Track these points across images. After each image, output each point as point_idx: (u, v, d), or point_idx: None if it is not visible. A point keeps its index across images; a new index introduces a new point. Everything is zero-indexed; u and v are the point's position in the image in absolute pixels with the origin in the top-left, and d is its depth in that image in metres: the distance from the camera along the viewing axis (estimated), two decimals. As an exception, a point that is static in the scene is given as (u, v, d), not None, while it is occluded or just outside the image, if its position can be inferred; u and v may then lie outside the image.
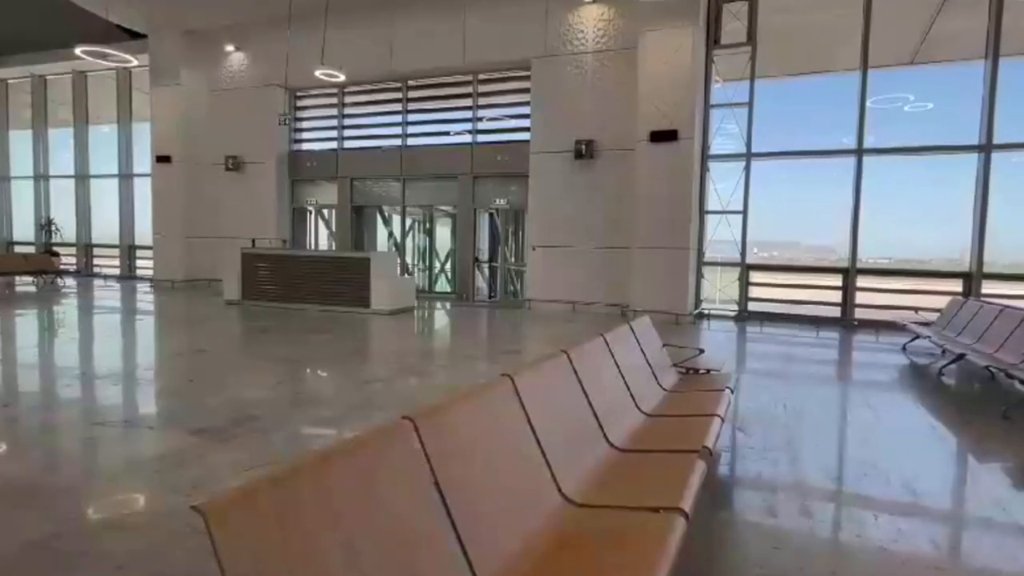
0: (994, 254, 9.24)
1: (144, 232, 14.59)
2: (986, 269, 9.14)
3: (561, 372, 2.30)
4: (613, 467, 2.13)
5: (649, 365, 3.34)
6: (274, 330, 7.73)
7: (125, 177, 15.01)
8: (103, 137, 15.51)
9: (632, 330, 3.42)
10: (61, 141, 16.15)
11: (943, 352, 6.44)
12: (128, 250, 15.19)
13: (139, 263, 15.12)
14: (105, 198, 15.53)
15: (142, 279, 14.56)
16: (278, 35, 11.86)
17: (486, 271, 12.48)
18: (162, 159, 13.07)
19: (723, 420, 2.70)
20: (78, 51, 10.71)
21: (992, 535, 2.52)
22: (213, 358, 5.84)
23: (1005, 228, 9.29)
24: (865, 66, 9.45)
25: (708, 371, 3.82)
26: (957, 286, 9.34)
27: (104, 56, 10.95)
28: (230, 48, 12.89)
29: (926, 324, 7.62)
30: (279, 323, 8.25)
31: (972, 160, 9.21)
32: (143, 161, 14.37)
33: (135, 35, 13.21)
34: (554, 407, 2.07)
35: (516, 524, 1.55)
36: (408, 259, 13.17)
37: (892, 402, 4.81)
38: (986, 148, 9.07)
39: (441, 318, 9.98)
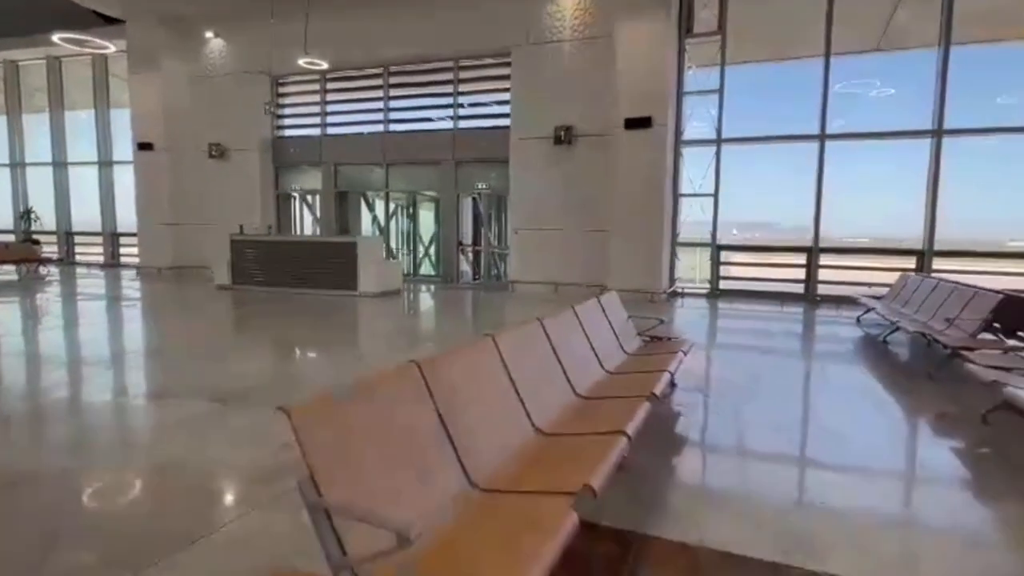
0: (957, 232, 9.94)
1: (126, 219, 14.61)
2: (945, 247, 9.82)
3: (536, 336, 2.77)
4: (577, 409, 2.62)
5: (614, 332, 3.83)
6: (268, 313, 8.07)
7: (105, 164, 14.94)
8: (80, 123, 15.36)
9: (600, 303, 3.90)
10: (37, 128, 15.94)
11: (891, 323, 7.09)
12: (111, 238, 15.20)
13: (122, 251, 15.15)
14: (84, 185, 15.46)
15: (127, 267, 14.63)
16: (258, 22, 11.90)
17: (470, 254, 12.87)
18: (144, 146, 13.09)
19: (672, 375, 3.20)
20: (55, 38, 10.67)
21: (892, 476, 3.07)
22: (216, 338, 6.21)
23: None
24: (828, 54, 9.92)
25: (668, 339, 4.33)
26: (913, 263, 10.04)
27: (81, 43, 10.92)
28: (210, 35, 12.88)
29: (878, 298, 8.27)
30: (272, 306, 8.59)
31: (926, 144, 9.81)
32: (122, 147, 14.33)
33: (110, 20, 13.08)
34: (529, 362, 2.54)
35: (498, 445, 2.02)
36: (393, 243, 13.48)
37: (837, 366, 5.41)
38: (938, 133, 9.67)
39: (427, 300, 10.40)
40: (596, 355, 3.32)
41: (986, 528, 2.37)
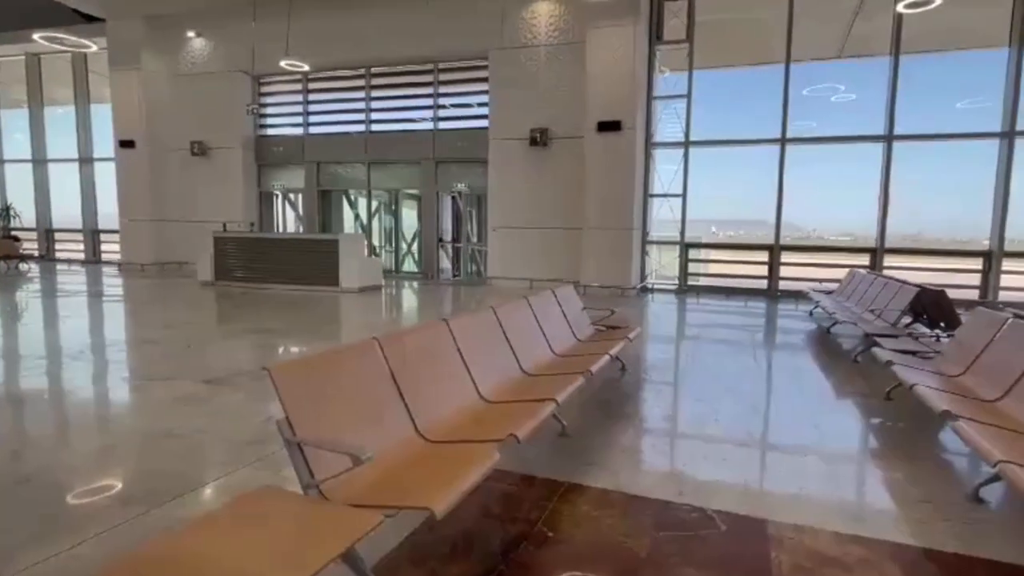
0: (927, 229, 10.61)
1: (107, 216, 14.70)
2: (903, 244, 10.50)
3: (488, 321, 3.20)
4: (521, 383, 3.05)
5: (567, 321, 4.28)
6: (252, 306, 8.38)
7: (85, 161, 15.00)
8: (59, 119, 15.38)
9: (555, 295, 4.35)
10: (14, 123, 15.91)
11: (830, 315, 7.65)
12: (92, 234, 15.27)
13: (103, 247, 15.24)
14: (64, 182, 15.48)
15: (108, 263, 14.72)
16: (240, 21, 12.11)
17: (450, 251, 13.25)
18: (126, 144, 13.22)
19: (612, 357, 3.66)
20: (35, 37, 10.81)
21: (792, 440, 3.55)
22: (202, 329, 6.53)
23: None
24: (788, 61, 10.46)
25: (619, 328, 4.79)
26: (867, 259, 10.68)
27: (61, 42, 11.06)
28: (191, 34, 13.05)
29: (828, 292, 8.86)
30: (255, 301, 8.89)
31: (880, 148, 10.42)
32: (103, 143, 14.41)
33: (91, 18, 13.17)
34: (479, 343, 2.97)
35: (445, 407, 2.45)
36: (376, 241, 13.81)
37: (778, 354, 5.93)
38: (888, 138, 10.30)
39: (406, 295, 10.78)
40: (546, 339, 3.76)
41: (864, 480, 2.86)
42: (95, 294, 9.80)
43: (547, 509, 2.35)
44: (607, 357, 3.55)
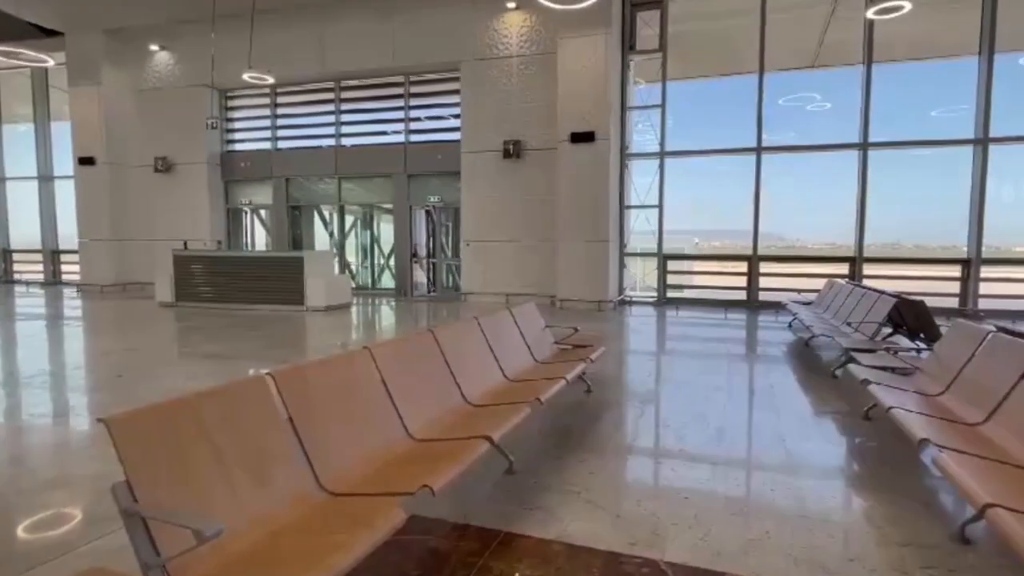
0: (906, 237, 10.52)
1: (68, 235, 14.16)
2: (883, 252, 10.40)
3: (424, 345, 2.88)
4: (462, 415, 2.74)
5: (525, 342, 3.98)
6: (207, 329, 7.96)
7: (45, 179, 14.48)
8: (19, 136, 14.86)
9: (511, 314, 4.05)
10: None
11: (807, 327, 7.44)
12: (51, 255, 14.68)
13: (64, 268, 14.65)
14: (23, 200, 14.92)
15: (68, 284, 14.14)
16: (205, 34, 11.81)
17: (425, 266, 12.92)
18: (85, 161, 12.75)
19: (567, 382, 3.36)
20: (-11, 51, 10.37)
21: (760, 468, 3.27)
22: (143, 356, 6.10)
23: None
24: (761, 71, 10.40)
25: (583, 347, 4.50)
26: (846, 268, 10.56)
27: (15, 56, 10.64)
28: (155, 48, 12.70)
29: (807, 303, 8.69)
30: (212, 322, 8.46)
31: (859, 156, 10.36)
32: (64, 161, 13.91)
33: (50, 32, 12.77)
34: (411, 371, 2.65)
35: (360, 450, 2.12)
36: (351, 257, 13.44)
37: (754, 369, 5.68)
38: (863, 146, 10.25)
39: (373, 313, 10.41)
40: (498, 363, 3.46)
41: (839, 518, 2.57)
42: (41, 318, 9.29)
43: (475, 567, 2.02)
44: (563, 382, 3.25)
